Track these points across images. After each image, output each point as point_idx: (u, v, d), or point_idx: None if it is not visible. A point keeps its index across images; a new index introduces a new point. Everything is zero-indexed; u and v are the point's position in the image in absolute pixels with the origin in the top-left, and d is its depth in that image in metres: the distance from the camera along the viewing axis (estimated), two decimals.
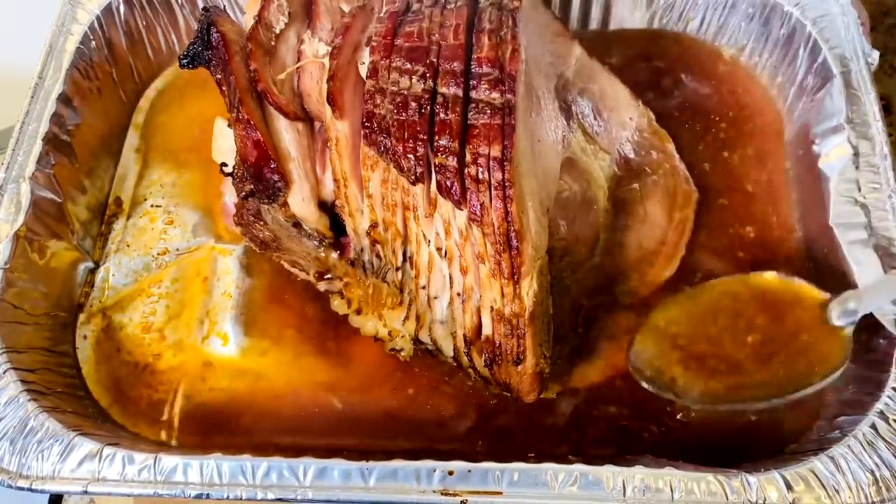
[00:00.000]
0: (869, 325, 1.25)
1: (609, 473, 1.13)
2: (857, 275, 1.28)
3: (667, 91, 1.62)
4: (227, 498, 1.15)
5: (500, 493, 1.13)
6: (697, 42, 1.69)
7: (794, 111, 1.55)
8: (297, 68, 1.33)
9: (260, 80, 1.28)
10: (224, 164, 1.39)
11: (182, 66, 1.35)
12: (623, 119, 1.46)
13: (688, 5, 1.66)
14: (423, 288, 1.28)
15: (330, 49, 1.29)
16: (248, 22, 1.35)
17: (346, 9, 1.36)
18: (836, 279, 1.33)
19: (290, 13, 1.35)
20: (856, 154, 1.36)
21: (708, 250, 1.45)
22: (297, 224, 1.34)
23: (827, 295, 1.25)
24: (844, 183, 1.35)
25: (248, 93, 1.29)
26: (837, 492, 1.11)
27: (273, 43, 1.34)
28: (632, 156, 1.48)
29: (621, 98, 1.47)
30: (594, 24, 1.74)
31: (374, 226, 1.27)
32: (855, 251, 1.30)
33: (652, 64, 1.66)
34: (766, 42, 1.60)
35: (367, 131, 1.21)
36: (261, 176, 1.28)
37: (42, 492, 1.18)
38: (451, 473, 1.14)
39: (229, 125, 1.33)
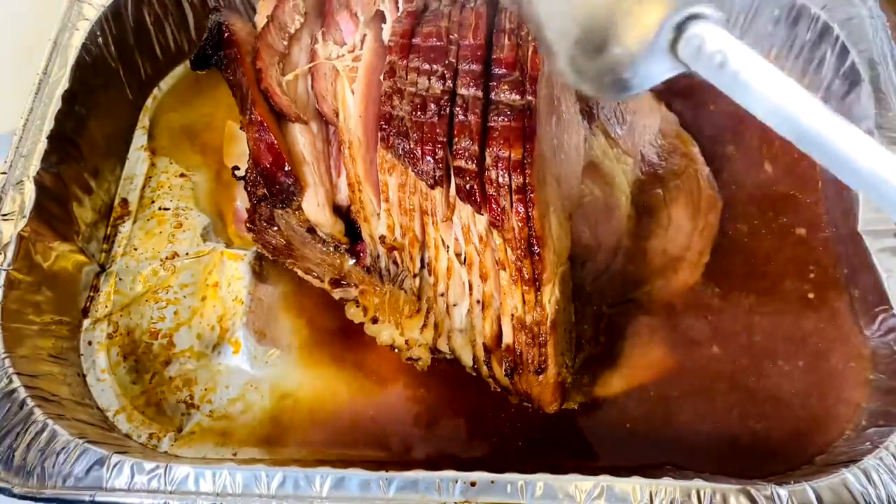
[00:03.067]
0: None
1: (636, 485, 1.10)
2: (887, 284, 1.25)
3: (690, 94, 1.59)
4: None
5: None
6: None
7: None
8: (311, 70, 1.31)
9: (262, 79, 1.26)
10: (236, 168, 1.37)
11: (193, 68, 1.33)
12: (646, 122, 1.44)
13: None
14: (442, 295, 1.25)
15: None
16: (260, 21, 1.33)
17: (360, 10, 1.33)
18: (867, 288, 1.31)
19: (305, 13, 1.32)
20: None
21: (732, 256, 1.42)
22: (311, 230, 1.31)
23: None
24: None
25: (262, 94, 1.26)
26: None
27: (286, 43, 1.31)
28: (655, 160, 1.45)
29: (644, 101, 1.45)
30: None
31: (390, 231, 1.24)
32: (885, 259, 1.27)
33: None
34: (792, 45, 1.57)
35: (384, 134, 1.18)
36: (274, 180, 1.25)
37: (46, 500, 1.14)
38: (473, 484, 1.11)
39: (241, 128, 1.30)
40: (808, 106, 0.75)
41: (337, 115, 1.27)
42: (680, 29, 0.78)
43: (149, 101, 1.70)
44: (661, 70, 0.81)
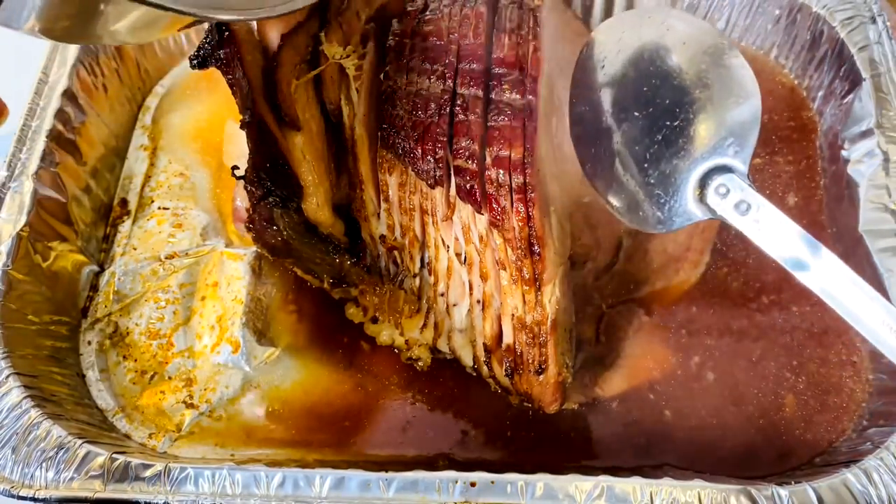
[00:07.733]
0: None
1: (636, 486, 1.10)
2: (887, 283, 1.25)
3: None
4: None
5: None
6: None
7: (822, 115, 1.53)
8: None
9: (279, 82, 1.25)
10: (236, 167, 1.36)
11: (193, 67, 1.31)
12: None
13: (713, 6, 1.63)
14: (442, 295, 1.25)
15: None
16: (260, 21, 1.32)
17: (359, 9, 1.33)
18: None
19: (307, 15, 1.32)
20: (886, 159, 1.33)
21: (733, 256, 1.42)
22: (311, 229, 1.31)
23: None
24: (874, 189, 1.32)
25: (261, 94, 1.26)
26: None
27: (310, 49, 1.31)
28: None
29: None
30: None
31: (391, 231, 1.24)
32: (885, 259, 1.27)
33: None
34: (792, 44, 1.57)
35: (384, 133, 1.18)
36: (274, 179, 1.25)
37: (46, 500, 1.14)
38: (473, 485, 1.11)
39: (241, 127, 1.29)
40: (820, 257, 0.93)
41: (342, 115, 1.26)
42: (706, 179, 0.99)
43: (149, 100, 1.70)
44: (693, 214, 1.02)
